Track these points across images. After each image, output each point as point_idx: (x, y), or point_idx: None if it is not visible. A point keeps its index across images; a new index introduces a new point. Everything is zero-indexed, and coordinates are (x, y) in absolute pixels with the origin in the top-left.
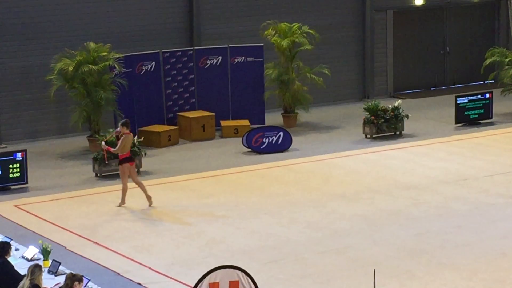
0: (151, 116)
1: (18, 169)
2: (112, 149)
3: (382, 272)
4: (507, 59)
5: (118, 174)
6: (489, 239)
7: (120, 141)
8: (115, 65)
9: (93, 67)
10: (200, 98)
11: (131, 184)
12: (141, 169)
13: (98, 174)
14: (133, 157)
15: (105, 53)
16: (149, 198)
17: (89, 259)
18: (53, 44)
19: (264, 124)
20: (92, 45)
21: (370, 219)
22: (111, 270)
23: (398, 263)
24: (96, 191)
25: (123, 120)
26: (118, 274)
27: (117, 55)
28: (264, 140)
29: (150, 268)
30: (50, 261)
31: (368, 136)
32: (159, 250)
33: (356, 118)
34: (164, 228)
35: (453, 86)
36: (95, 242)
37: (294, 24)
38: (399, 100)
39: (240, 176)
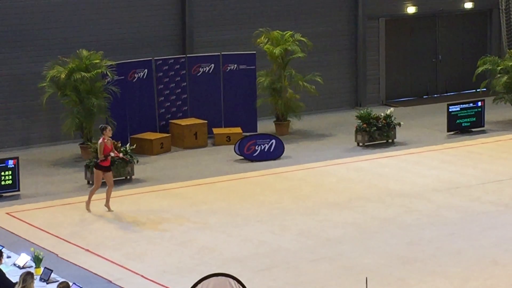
0: (144, 124)
1: (10, 177)
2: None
3: (374, 280)
4: (499, 68)
5: None
6: (481, 247)
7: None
8: (108, 72)
9: (86, 74)
10: (193, 106)
11: (124, 192)
12: (133, 177)
13: (90, 182)
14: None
15: (97, 61)
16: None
17: (81, 267)
18: (45, 51)
19: (256, 132)
20: (84, 52)
21: (362, 227)
22: (103, 277)
23: (390, 271)
24: None
25: (100, 126)
26: (110, 281)
27: (109, 63)
28: (256, 148)
29: (142, 276)
30: (42, 269)
31: (360, 144)
32: (151, 257)
33: (348, 126)
34: (156, 235)
35: (445, 94)
36: (87, 250)
37: (286, 32)
38: (391, 108)
39: (232, 184)
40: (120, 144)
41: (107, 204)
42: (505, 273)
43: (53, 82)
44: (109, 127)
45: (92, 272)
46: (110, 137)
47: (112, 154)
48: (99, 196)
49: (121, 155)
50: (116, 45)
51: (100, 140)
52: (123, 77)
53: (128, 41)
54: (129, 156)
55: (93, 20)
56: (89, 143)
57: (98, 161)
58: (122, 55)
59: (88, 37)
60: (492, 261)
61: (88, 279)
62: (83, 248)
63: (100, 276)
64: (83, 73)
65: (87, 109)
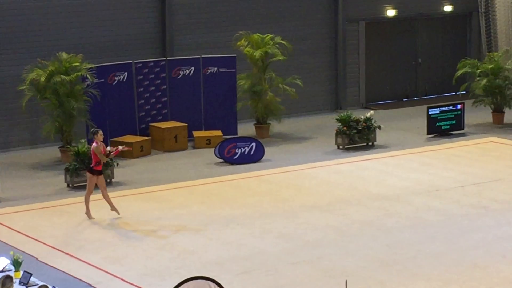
0: (124, 127)
1: None
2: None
3: (354, 283)
4: (479, 71)
5: None
6: (461, 250)
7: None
8: (87, 75)
9: (65, 77)
10: (173, 109)
11: (99, 195)
12: (113, 180)
13: (70, 185)
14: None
15: (77, 64)
16: (113, 208)
17: (60, 270)
18: (25, 54)
19: (236, 134)
20: (64, 55)
21: (342, 230)
22: (83, 281)
23: (370, 273)
24: (68, 201)
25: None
26: (90, 285)
27: (89, 66)
28: (236, 150)
29: (122, 279)
30: (21, 272)
31: (341, 147)
32: (131, 261)
33: (329, 129)
34: (136, 239)
35: (425, 97)
36: (67, 253)
37: (266, 35)
38: (372, 111)
39: (212, 186)
40: None
41: (113, 208)
42: (485, 276)
43: (33, 85)
44: (100, 131)
45: (71, 275)
46: (101, 141)
47: (112, 150)
48: (80, 199)
49: (120, 147)
50: (96, 48)
51: (94, 144)
52: (103, 80)
53: (108, 44)
54: (109, 159)
55: (72, 23)
56: (69, 146)
57: (92, 165)
58: (102, 58)
59: (68, 40)
60: (472, 263)
61: (68, 283)
62: (63, 252)
63: (80, 280)
64: (62, 76)
65: (67, 112)
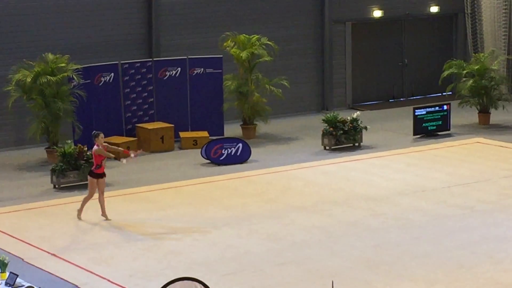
0: (110, 128)
1: None
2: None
3: (341, 284)
4: (465, 71)
5: (76, 185)
6: (447, 250)
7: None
8: (74, 76)
9: (51, 78)
10: (159, 110)
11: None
12: None
13: (56, 186)
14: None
15: (63, 64)
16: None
17: (47, 271)
18: (11, 55)
19: (223, 135)
20: (50, 56)
21: (329, 231)
22: (69, 282)
23: (356, 274)
24: (54, 202)
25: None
26: (76, 286)
27: (75, 66)
28: (223, 151)
29: (108, 280)
30: (7, 274)
31: (327, 147)
32: (118, 262)
33: (315, 130)
34: (122, 239)
35: (411, 98)
36: (53, 254)
37: (253, 35)
38: (358, 112)
39: (199, 187)
40: (86, 148)
41: (104, 214)
42: (471, 276)
43: (19, 86)
44: (101, 134)
45: (58, 276)
46: (103, 143)
47: (132, 155)
48: (66, 200)
49: (132, 154)
50: (82, 48)
51: (95, 147)
52: (89, 81)
53: (94, 45)
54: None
55: (59, 23)
56: (55, 147)
57: (93, 168)
58: (88, 59)
59: (54, 40)
60: (458, 264)
61: (54, 284)
62: (49, 253)
63: (66, 281)
64: (49, 77)
65: (53, 113)
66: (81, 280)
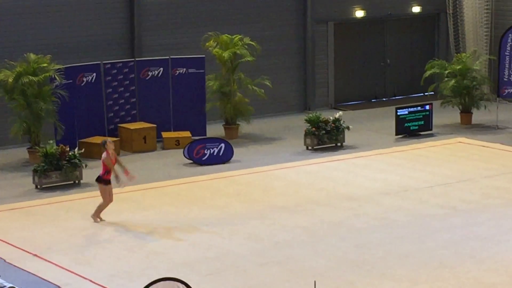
0: (92, 128)
1: None
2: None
3: (323, 284)
4: (447, 71)
5: (58, 186)
6: (429, 250)
7: (106, 161)
8: (56, 76)
9: (33, 78)
10: (142, 110)
11: (72, 196)
12: (82, 181)
13: (38, 186)
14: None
15: (45, 64)
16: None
17: (29, 272)
18: None
19: (205, 135)
20: (32, 56)
21: (311, 231)
22: (51, 282)
23: (339, 274)
24: (36, 203)
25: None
26: (59, 286)
27: (57, 66)
28: (205, 151)
29: (90, 281)
30: None
31: (310, 147)
32: (100, 262)
33: (298, 130)
34: (104, 240)
35: (394, 98)
36: (35, 255)
37: (235, 35)
38: (340, 112)
39: (181, 188)
40: (68, 148)
41: (97, 217)
42: (453, 276)
43: (0, 86)
44: (109, 140)
45: (40, 277)
46: (113, 149)
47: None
48: (48, 201)
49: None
50: (64, 48)
51: (104, 155)
52: (71, 81)
53: (76, 45)
54: (77, 160)
55: (41, 23)
56: (37, 148)
57: (101, 174)
58: (70, 59)
59: (36, 40)
60: (440, 263)
61: (36, 284)
62: (31, 253)
63: (48, 281)
64: (30, 77)
65: (35, 113)
66: (63, 281)
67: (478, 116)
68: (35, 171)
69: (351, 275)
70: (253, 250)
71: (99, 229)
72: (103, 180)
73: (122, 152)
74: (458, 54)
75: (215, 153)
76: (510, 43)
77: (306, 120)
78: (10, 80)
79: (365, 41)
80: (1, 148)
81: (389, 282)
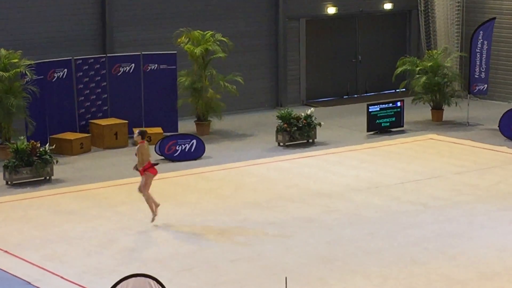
0: (63, 124)
1: None
2: (140, 168)
3: (295, 280)
4: (418, 68)
5: (29, 182)
6: (400, 246)
7: (137, 152)
8: (27, 72)
9: (4, 74)
10: (113, 106)
11: (43, 192)
12: (52, 177)
13: (9, 182)
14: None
15: (16, 60)
16: (156, 207)
17: None
18: None
19: (177, 132)
20: (2, 51)
21: (283, 227)
22: (22, 279)
23: (310, 270)
24: (7, 199)
25: (140, 130)
26: (29, 283)
27: (28, 62)
28: (177, 148)
29: (61, 277)
30: None
31: (281, 144)
32: (71, 258)
33: (269, 126)
34: (75, 236)
35: (365, 94)
36: (5, 251)
37: (207, 32)
38: (312, 108)
39: (152, 184)
40: (39, 144)
41: (154, 208)
42: (423, 272)
43: None
44: (136, 132)
45: (10, 273)
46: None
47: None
48: (18, 197)
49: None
50: (35, 44)
51: (144, 145)
52: (42, 77)
53: (47, 40)
54: (48, 156)
55: (11, 19)
56: (7, 143)
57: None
58: (41, 55)
59: (6, 36)
60: (411, 260)
61: (6, 281)
62: (1, 249)
63: (19, 278)
64: (1, 73)
65: (5, 109)
66: (34, 277)
67: (449, 112)
68: (5, 167)
69: (322, 271)
70: (224, 246)
71: (70, 226)
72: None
73: (93, 148)
74: (430, 51)
75: (186, 149)
76: (481, 40)
77: (277, 116)
78: None
79: (336, 38)
80: None
81: (360, 278)
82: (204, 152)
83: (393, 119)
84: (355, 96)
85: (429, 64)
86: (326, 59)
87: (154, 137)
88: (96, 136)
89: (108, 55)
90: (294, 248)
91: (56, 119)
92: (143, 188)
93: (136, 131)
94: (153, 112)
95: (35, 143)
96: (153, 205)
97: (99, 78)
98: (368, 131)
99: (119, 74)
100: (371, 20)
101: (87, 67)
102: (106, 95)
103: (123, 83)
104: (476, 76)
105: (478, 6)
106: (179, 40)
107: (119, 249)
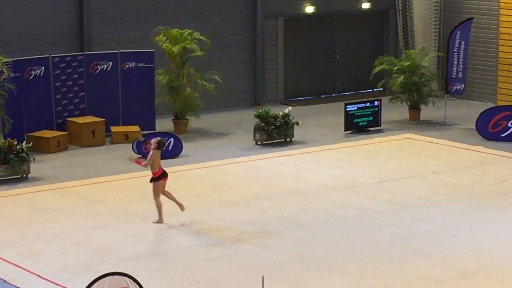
0: (40, 122)
1: None
2: (143, 163)
3: (272, 278)
4: (396, 68)
5: (5, 180)
6: (377, 245)
7: (149, 156)
8: (3, 69)
9: None
10: (90, 104)
11: (20, 190)
12: (29, 175)
13: None
14: (165, 172)
15: None
16: (180, 205)
17: None
18: None
19: (154, 130)
20: None
21: (260, 226)
22: None
23: (287, 269)
24: None
25: (159, 141)
26: (5, 281)
27: (5, 60)
28: None
29: (37, 275)
30: None
31: (259, 142)
32: (47, 257)
33: (247, 125)
34: (52, 234)
35: (343, 93)
36: None
37: (185, 30)
38: (290, 107)
39: (129, 182)
40: (16, 142)
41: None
42: (400, 271)
43: None
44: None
45: None
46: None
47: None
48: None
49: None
50: (11, 41)
51: (158, 152)
52: (19, 74)
53: (24, 38)
54: (25, 154)
55: None
56: None
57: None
58: (18, 52)
59: None
60: (388, 259)
61: None
62: None
63: None
64: None
65: None
66: (10, 275)
67: (426, 112)
68: None
69: (299, 270)
70: (201, 245)
71: (47, 224)
72: (154, 178)
73: (71, 146)
74: (407, 51)
75: (164, 148)
76: (458, 40)
77: (255, 115)
78: None
79: (314, 37)
80: None
81: (337, 277)
82: (181, 150)
83: (371, 118)
84: (333, 95)
85: (407, 63)
86: (304, 58)
87: (132, 135)
88: (73, 134)
89: (85, 53)
90: (271, 247)
91: (33, 117)
92: (154, 195)
93: (155, 140)
94: (131, 110)
95: (11, 141)
96: (176, 201)
97: (77, 76)
98: (345, 130)
99: (96, 72)
100: (349, 19)
101: (64, 65)
102: (83, 93)
103: (101, 81)
104: (454, 76)
105: (456, 6)
106: (157, 38)
107: (96, 247)
